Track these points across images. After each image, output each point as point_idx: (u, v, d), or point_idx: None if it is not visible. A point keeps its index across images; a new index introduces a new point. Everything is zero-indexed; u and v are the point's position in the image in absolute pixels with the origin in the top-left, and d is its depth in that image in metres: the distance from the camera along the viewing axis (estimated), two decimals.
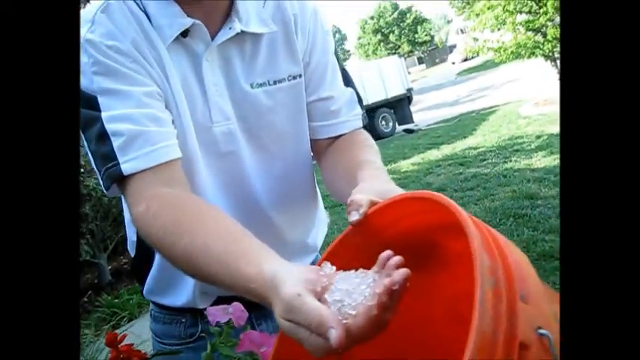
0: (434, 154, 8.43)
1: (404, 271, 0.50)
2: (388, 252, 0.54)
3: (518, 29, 10.18)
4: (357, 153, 0.93)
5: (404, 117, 14.69)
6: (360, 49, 53.58)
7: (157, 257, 1.01)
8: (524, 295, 0.45)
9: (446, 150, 8.51)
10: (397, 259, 0.52)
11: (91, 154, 0.84)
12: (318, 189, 1.13)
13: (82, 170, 5.04)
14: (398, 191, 0.70)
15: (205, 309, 0.79)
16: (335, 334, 0.49)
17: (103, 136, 0.80)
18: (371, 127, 13.76)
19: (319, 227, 1.13)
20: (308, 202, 1.09)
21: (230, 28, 0.89)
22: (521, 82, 15.27)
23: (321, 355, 0.52)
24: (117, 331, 3.56)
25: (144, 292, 1.09)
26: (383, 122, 14.19)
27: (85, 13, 0.86)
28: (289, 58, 0.95)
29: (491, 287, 0.42)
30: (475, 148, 7.81)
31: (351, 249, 0.67)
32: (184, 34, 0.87)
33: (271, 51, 0.94)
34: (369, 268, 0.57)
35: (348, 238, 0.69)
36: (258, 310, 0.98)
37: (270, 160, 0.98)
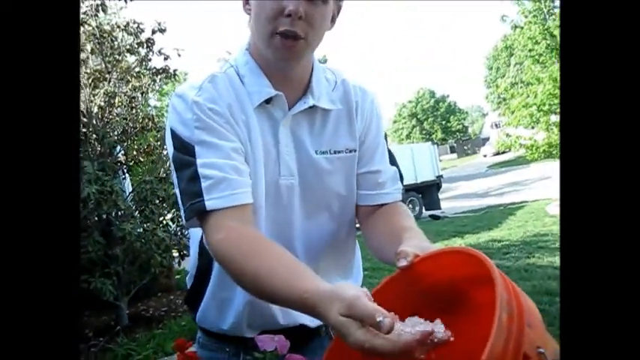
0: (457, 242, 8.49)
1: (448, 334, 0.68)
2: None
3: (551, 129, 10.39)
4: (400, 219, 1.11)
5: (431, 203, 14.84)
6: (394, 132, 54.63)
7: (210, 287, 1.18)
8: (530, 324, 0.61)
9: (470, 239, 8.57)
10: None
11: (180, 191, 1.03)
12: (357, 246, 1.29)
13: (120, 213, 5.27)
14: (436, 249, 0.86)
15: (250, 339, 0.94)
16: (386, 322, 0.65)
17: (195, 178, 0.99)
18: None
19: (356, 279, 1.29)
20: (344, 256, 1.26)
21: (304, 102, 1.10)
22: (552, 181, 15.38)
23: (359, 349, 0.68)
24: None
25: (196, 318, 1.24)
26: (410, 206, 14.33)
27: (195, 81, 1.09)
28: (348, 135, 1.16)
29: (506, 313, 0.58)
30: (499, 241, 7.86)
31: (396, 290, 0.83)
32: (268, 101, 1.08)
33: (335, 126, 1.15)
34: (408, 309, 0.74)
35: (394, 280, 0.84)
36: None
37: (319, 213, 1.16)
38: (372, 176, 1.18)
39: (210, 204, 0.97)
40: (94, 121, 5.34)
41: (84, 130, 5.22)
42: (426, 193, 14.78)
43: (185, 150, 1.02)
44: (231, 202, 0.98)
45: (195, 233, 1.18)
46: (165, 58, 5.95)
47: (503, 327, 0.57)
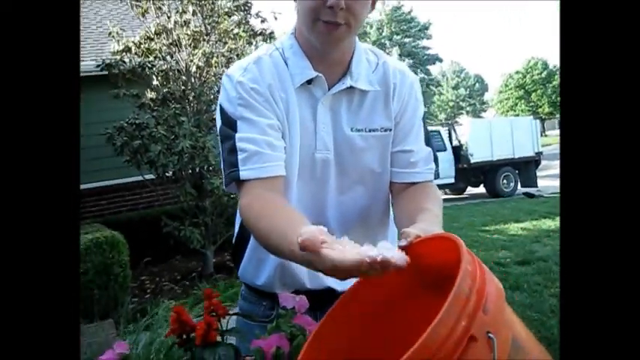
0: (547, 224, 8.15)
1: (405, 258, 0.76)
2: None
3: None
4: (423, 201, 1.16)
5: (528, 180, 14.25)
6: (499, 102, 52.24)
7: (249, 246, 1.31)
8: (488, 308, 0.66)
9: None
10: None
11: (223, 160, 1.16)
12: (392, 222, 1.35)
13: (210, 168, 5.61)
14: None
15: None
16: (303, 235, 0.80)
17: (233, 150, 1.12)
18: (491, 183, 13.63)
19: None
20: (377, 230, 1.32)
21: (343, 83, 1.18)
22: None
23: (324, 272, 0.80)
24: None
25: (238, 273, 1.37)
26: (504, 181, 13.86)
27: (242, 61, 1.20)
28: (384, 115, 1.22)
29: (465, 295, 0.65)
30: None
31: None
32: (309, 82, 1.17)
33: (372, 105, 1.21)
34: (405, 284, 0.83)
35: None
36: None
37: (353, 188, 1.24)
38: (405, 155, 1.24)
39: (243, 174, 1.10)
40: (192, 80, 5.65)
41: (182, 87, 5.55)
42: (522, 169, 14.19)
43: (229, 124, 1.14)
44: (262, 173, 1.10)
45: None
46: (262, 21, 6.13)
47: (457, 306, 0.63)
